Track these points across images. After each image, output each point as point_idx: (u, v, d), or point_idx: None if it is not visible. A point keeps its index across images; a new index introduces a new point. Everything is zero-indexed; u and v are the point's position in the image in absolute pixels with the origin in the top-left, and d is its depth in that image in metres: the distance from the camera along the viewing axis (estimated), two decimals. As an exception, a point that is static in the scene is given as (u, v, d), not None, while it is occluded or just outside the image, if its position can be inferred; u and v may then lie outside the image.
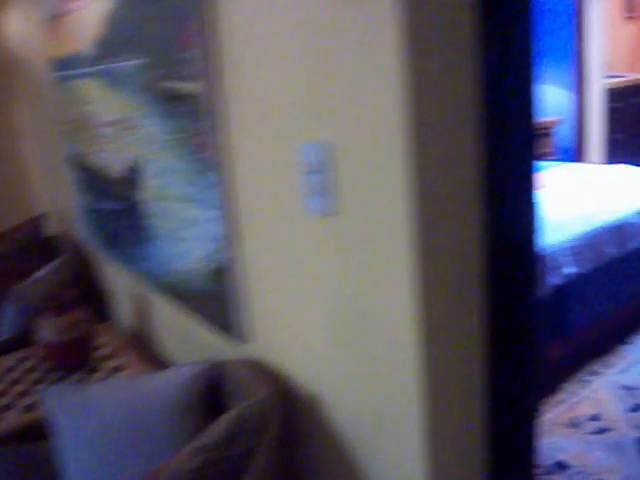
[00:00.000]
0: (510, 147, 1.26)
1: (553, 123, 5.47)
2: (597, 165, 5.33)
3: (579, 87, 5.61)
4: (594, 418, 2.98)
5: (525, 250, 1.38)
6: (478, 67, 1.23)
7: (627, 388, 3.18)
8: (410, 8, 1.15)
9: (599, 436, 2.86)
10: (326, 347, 1.61)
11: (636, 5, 7.51)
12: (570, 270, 3.06)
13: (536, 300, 1.44)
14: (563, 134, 5.61)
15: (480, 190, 1.31)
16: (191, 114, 1.85)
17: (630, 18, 7.49)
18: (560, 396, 3.15)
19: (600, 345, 3.52)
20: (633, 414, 2.98)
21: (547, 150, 5.41)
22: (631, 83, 6.75)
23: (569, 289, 3.11)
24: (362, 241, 1.39)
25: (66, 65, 2.85)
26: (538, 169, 1.35)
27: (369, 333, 1.45)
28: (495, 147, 1.24)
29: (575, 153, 5.65)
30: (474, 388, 1.45)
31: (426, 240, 1.27)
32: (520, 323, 1.43)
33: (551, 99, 5.73)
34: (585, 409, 3.05)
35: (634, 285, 3.65)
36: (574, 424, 2.95)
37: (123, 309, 3.07)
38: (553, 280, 2.98)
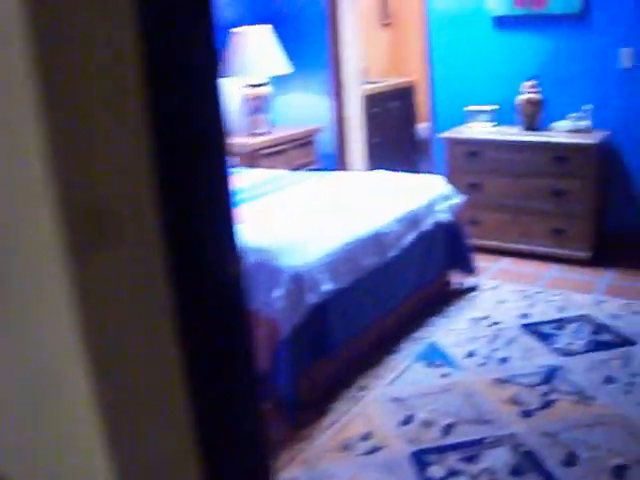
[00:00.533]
0: (193, 169, 1.09)
1: (314, 131, 5.50)
2: (357, 172, 5.42)
3: (338, 94, 5.69)
4: (365, 437, 2.93)
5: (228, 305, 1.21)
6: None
7: (397, 400, 3.19)
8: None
9: (372, 456, 2.82)
10: None
11: (391, 12, 7.82)
12: (328, 287, 3.01)
13: (254, 371, 1.27)
14: (325, 142, 5.66)
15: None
16: None
17: (386, 25, 7.78)
18: (331, 418, 3.08)
19: (368, 358, 3.51)
20: (404, 427, 2.97)
21: (309, 159, 5.43)
22: (388, 88, 6.99)
23: (329, 306, 3.05)
24: None
25: None
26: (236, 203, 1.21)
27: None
28: (173, 172, 1.06)
29: (337, 160, 5.72)
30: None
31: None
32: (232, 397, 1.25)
33: (311, 107, 5.77)
34: (356, 429, 3.00)
35: (396, 293, 3.69)
36: (345, 446, 2.89)
37: None
38: (312, 299, 2.91)
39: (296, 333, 2.89)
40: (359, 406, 3.16)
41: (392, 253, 3.52)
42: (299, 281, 2.88)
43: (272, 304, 2.86)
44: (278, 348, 2.90)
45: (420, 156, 7.11)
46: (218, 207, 1.17)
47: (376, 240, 3.40)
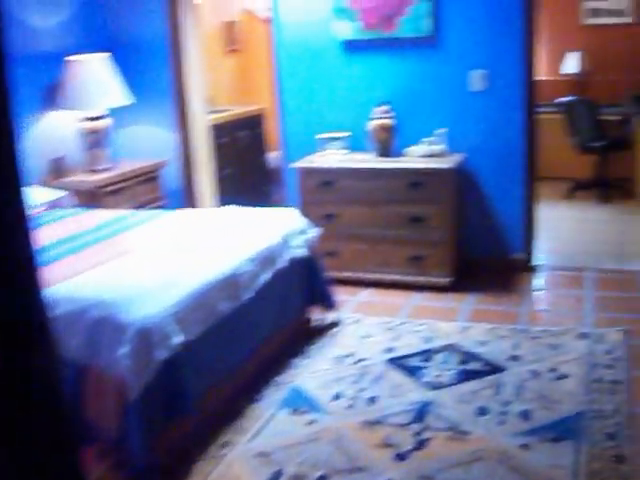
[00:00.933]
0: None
1: (159, 165, 5.25)
2: (207, 208, 5.21)
3: (182, 125, 5.47)
4: (230, 501, 2.72)
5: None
6: None
7: (262, 455, 2.98)
8: None
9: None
10: None
11: (237, 37, 7.70)
12: (180, 339, 2.78)
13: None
14: (172, 176, 5.42)
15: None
16: None
17: (232, 51, 7.64)
18: (191, 482, 2.85)
19: (228, 410, 3.30)
20: (272, 485, 2.78)
21: (155, 195, 5.17)
22: (236, 117, 6.84)
23: (182, 359, 2.82)
24: None
25: None
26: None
27: None
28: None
29: (185, 196, 5.49)
30: None
31: None
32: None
33: (155, 140, 5.51)
34: (219, 492, 2.78)
35: (255, 337, 3.51)
36: (208, 514, 2.66)
37: None
38: (161, 355, 2.68)
39: (146, 392, 2.64)
40: (222, 465, 2.93)
41: (247, 295, 3.34)
42: (146, 336, 2.64)
43: (117, 363, 2.61)
44: (127, 410, 2.64)
45: (273, 186, 6.99)
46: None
47: (229, 283, 3.20)
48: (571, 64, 8.55)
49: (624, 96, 8.13)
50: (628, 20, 8.44)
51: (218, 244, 3.49)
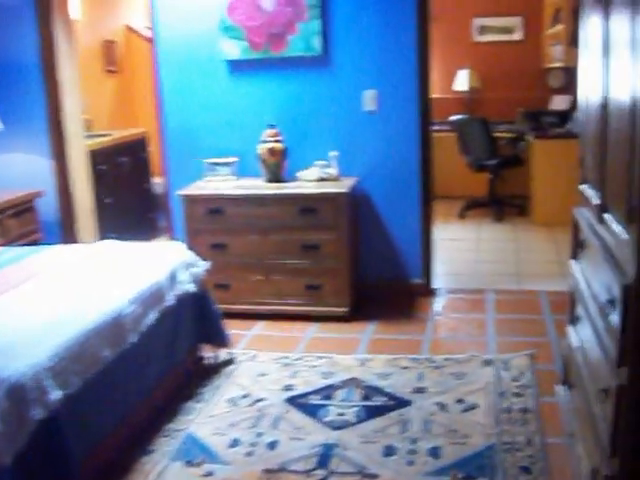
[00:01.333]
0: None
1: (33, 196, 4.95)
2: (85, 243, 4.93)
3: (59, 152, 5.20)
4: None
5: None
6: None
7: (155, 515, 2.78)
8: None
9: None
10: None
11: (118, 58, 7.44)
12: (57, 394, 2.54)
13: None
14: (48, 207, 5.12)
15: None
16: None
17: (112, 72, 7.38)
18: None
19: (117, 465, 3.06)
20: None
21: (30, 228, 4.86)
22: (118, 142, 6.59)
23: (62, 416, 2.58)
24: None
25: None
26: None
27: None
28: None
29: (63, 228, 5.20)
30: None
31: None
32: None
33: (29, 168, 5.21)
34: None
35: (143, 383, 3.28)
36: None
37: None
38: (37, 414, 2.43)
39: (21, 458, 2.39)
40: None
41: (132, 338, 3.12)
42: (18, 393, 2.38)
43: (-16, 426, 2.35)
44: (-3, 481, 2.38)
45: (160, 214, 6.75)
46: None
47: (112, 327, 2.97)
48: (463, 81, 8.69)
49: (516, 113, 8.32)
50: (518, 37, 8.66)
51: (98, 284, 3.26)
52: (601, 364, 2.29)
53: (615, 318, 2.08)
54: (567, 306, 3.17)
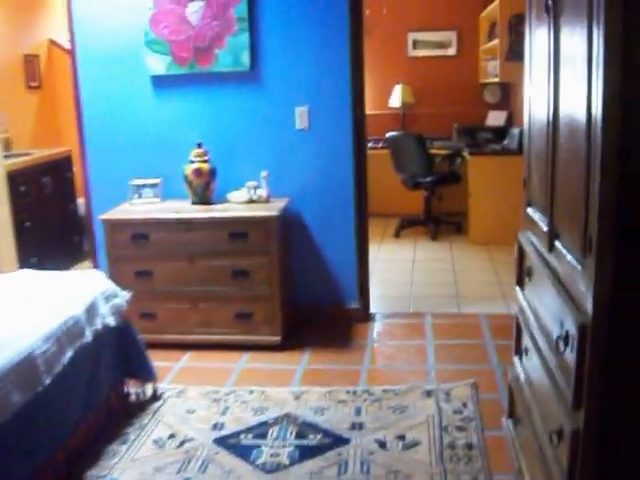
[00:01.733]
0: None
1: (-57, 221, 4.61)
2: (5, 271, 4.60)
3: (-27, 173, 4.87)
4: None
5: None
6: None
7: None
8: None
9: None
10: None
11: (39, 74, 7.10)
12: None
13: None
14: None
15: None
16: None
17: (34, 87, 7.03)
18: None
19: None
20: None
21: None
22: (39, 161, 6.24)
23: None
24: None
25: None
26: None
27: None
28: None
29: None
30: None
31: None
32: None
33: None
34: None
35: (61, 426, 2.98)
36: None
37: None
38: None
39: None
40: None
41: (47, 380, 2.83)
42: None
43: None
44: None
45: (85, 237, 6.42)
46: None
47: (23, 368, 2.67)
48: (398, 97, 8.55)
49: (452, 129, 8.21)
50: (452, 52, 8.58)
51: (8, 320, 2.97)
52: (552, 402, 2.11)
53: (569, 356, 1.90)
54: (510, 333, 2.98)
